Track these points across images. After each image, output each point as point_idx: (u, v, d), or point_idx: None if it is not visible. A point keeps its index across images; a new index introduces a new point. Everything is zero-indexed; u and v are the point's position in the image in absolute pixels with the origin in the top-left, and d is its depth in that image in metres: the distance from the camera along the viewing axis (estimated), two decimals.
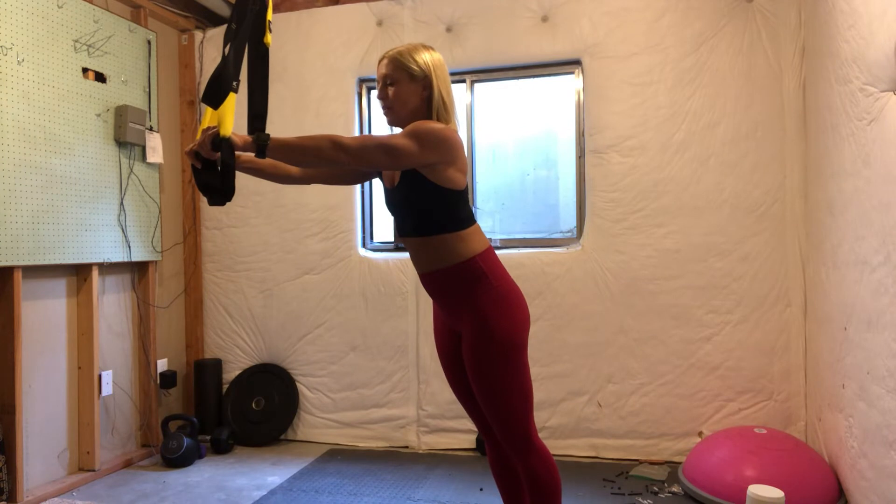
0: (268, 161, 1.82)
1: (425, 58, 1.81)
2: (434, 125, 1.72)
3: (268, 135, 1.58)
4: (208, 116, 1.66)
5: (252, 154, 1.63)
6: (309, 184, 1.97)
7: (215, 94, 1.63)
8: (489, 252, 1.81)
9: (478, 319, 1.75)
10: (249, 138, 1.59)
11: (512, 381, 1.75)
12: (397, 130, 1.92)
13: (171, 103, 3.71)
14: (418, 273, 1.87)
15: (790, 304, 3.02)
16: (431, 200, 1.75)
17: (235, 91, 1.66)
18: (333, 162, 1.60)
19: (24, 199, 2.70)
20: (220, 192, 1.65)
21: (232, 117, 1.64)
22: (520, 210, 3.50)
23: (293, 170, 1.90)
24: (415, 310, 3.48)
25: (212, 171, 1.64)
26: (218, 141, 1.59)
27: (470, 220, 1.81)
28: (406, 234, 1.84)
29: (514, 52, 3.35)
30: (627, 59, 3.20)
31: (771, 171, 3.04)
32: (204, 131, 1.63)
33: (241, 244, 3.75)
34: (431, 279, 1.82)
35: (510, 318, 1.75)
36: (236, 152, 1.64)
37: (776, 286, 3.04)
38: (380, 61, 1.84)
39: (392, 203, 1.87)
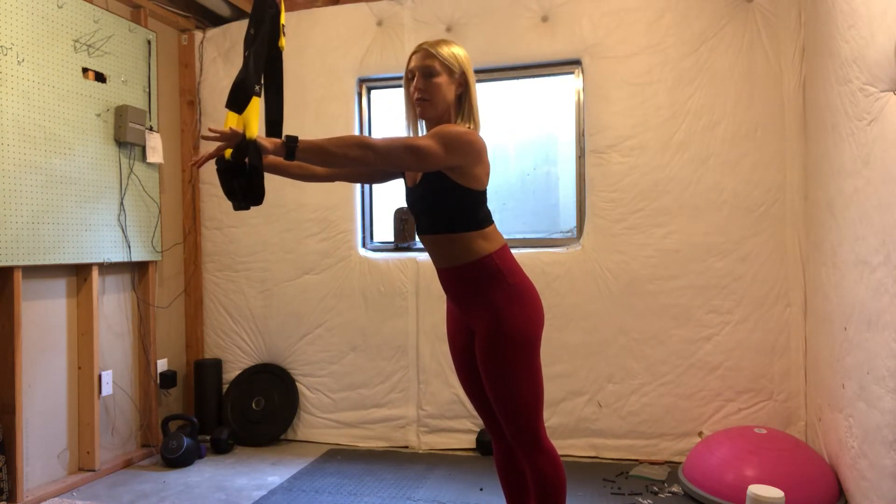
0: (294, 162, 1.84)
1: (460, 55, 1.84)
2: (459, 129, 1.74)
3: (296, 137, 1.59)
4: (233, 121, 1.66)
5: (276, 156, 1.65)
6: (333, 181, 2.01)
7: (239, 99, 1.65)
8: (505, 250, 1.83)
9: (492, 315, 1.77)
10: (279, 141, 1.60)
11: (524, 378, 1.76)
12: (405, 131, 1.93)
13: (171, 103, 3.71)
14: (436, 267, 1.89)
15: (790, 304, 3.02)
16: (452, 199, 1.77)
17: (259, 95, 1.69)
18: (360, 162, 1.62)
19: (24, 199, 2.70)
20: (249, 196, 1.66)
21: (257, 121, 1.66)
22: (520, 210, 3.50)
23: (318, 169, 1.92)
24: (415, 310, 3.48)
25: (238, 176, 1.65)
26: (245, 145, 1.60)
27: (488, 219, 1.83)
28: (425, 231, 1.86)
29: (514, 52, 3.35)
30: (627, 59, 3.20)
31: (771, 171, 3.04)
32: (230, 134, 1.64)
33: (241, 244, 3.75)
34: (448, 274, 1.84)
35: (524, 315, 1.77)
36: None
37: (776, 286, 3.04)
38: (417, 52, 1.84)
39: (413, 201, 1.89)
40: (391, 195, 3.65)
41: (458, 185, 1.76)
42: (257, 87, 1.69)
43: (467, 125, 1.83)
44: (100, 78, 3.10)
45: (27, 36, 2.72)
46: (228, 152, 1.65)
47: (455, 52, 1.83)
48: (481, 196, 1.82)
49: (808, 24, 2.88)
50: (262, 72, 1.73)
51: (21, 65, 2.69)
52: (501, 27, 3.36)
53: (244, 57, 1.70)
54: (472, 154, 1.74)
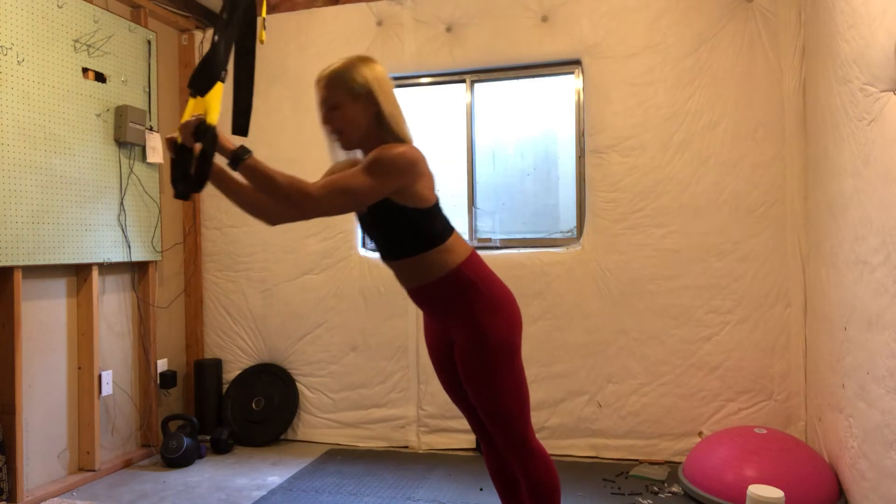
0: (236, 176, 1.68)
1: (364, 73, 1.70)
2: (389, 152, 1.63)
3: (250, 151, 1.55)
4: (191, 106, 1.60)
5: (222, 155, 1.58)
6: (263, 218, 1.72)
7: (202, 81, 1.59)
8: (473, 258, 1.78)
9: (470, 326, 1.73)
10: (231, 147, 1.55)
11: (507, 385, 1.74)
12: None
13: (171, 103, 3.71)
14: (404, 288, 1.83)
15: (790, 304, 3.02)
16: (403, 223, 1.71)
17: (223, 80, 1.62)
18: (294, 207, 1.56)
19: (24, 199, 2.70)
20: (192, 180, 1.58)
21: (218, 107, 1.60)
22: (520, 210, 3.50)
23: (250, 195, 1.70)
24: (414, 310, 3.47)
25: (189, 162, 1.58)
26: (203, 128, 1.54)
27: (447, 231, 1.76)
28: (385, 257, 1.81)
29: (514, 52, 3.35)
30: (627, 59, 3.20)
31: (771, 171, 3.04)
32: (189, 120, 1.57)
33: (241, 244, 3.75)
34: (418, 293, 1.80)
35: (502, 322, 1.74)
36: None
37: (776, 286, 3.04)
38: (317, 83, 1.73)
39: (366, 229, 1.82)
40: None
41: (404, 207, 1.68)
42: (223, 73, 1.61)
43: (399, 142, 1.71)
44: (100, 78, 3.10)
45: (27, 36, 2.72)
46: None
47: (356, 73, 1.70)
48: (432, 211, 1.73)
49: (808, 24, 2.88)
50: (230, 59, 1.66)
51: (21, 65, 2.69)
52: (501, 27, 3.36)
53: (212, 41, 1.63)
54: (407, 173, 1.64)
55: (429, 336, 1.95)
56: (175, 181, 1.60)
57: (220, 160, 1.59)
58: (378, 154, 1.63)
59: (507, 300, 1.77)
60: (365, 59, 1.74)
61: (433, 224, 1.73)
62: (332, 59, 3.59)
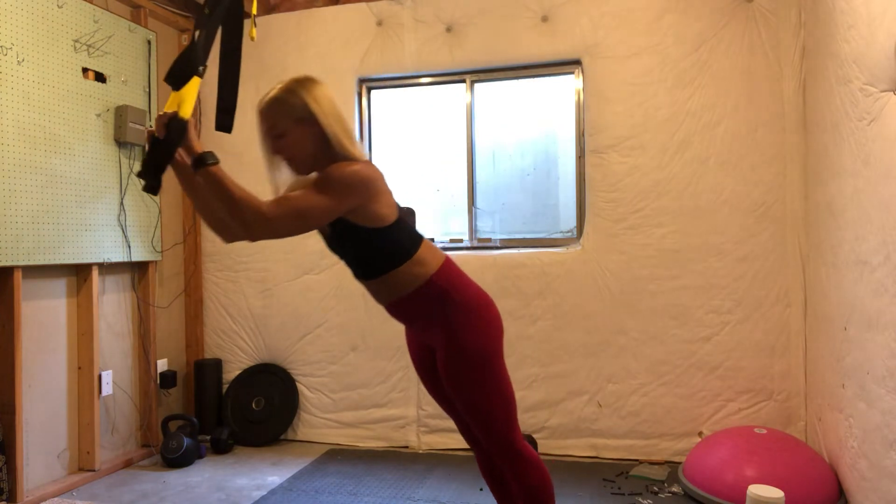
0: (197, 179, 1.64)
1: (303, 95, 1.65)
2: (341, 170, 1.58)
3: (217, 159, 1.52)
4: (171, 99, 1.59)
5: (188, 154, 1.57)
6: (212, 223, 1.72)
7: (179, 74, 1.57)
8: (446, 266, 1.76)
9: (448, 334, 1.72)
10: (201, 148, 1.54)
11: (490, 389, 1.73)
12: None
13: None
14: (380, 304, 1.81)
15: (790, 304, 3.02)
16: (367, 244, 1.68)
17: (200, 76, 1.61)
18: (239, 225, 1.51)
19: (24, 199, 2.70)
20: (151, 168, 1.57)
21: (192, 102, 1.58)
22: (520, 210, 3.50)
23: (205, 199, 1.69)
24: None
25: (159, 154, 1.57)
26: (174, 120, 1.53)
27: (415, 244, 1.73)
28: (357, 277, 1.79)
29: (514, 52, 3.35)
30: (627, 59, 3.20)
31: (771, 171, 3.04)
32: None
33: (241, 244, 3.75)
34: (394, 308, 1.79)
35: (480, 329, 1.73)
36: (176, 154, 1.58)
37: (776, 286, 3.04)
38: (258, 114, 1.69)
39: (334, 250, 1.79)
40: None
41: (365, 228, 1.64)
42: (201, 69, 1.60)
43: (351, 161, 1.65)
44: (100, 78, 3.10)
45: (27, 36, 2.72)
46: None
47: (294, 97, 1.65)
48: (395, 227, 1.69)
49: (808, 24, 2.88)
50: (209, 54, 1.65)
51: (21, 65, 2.69)
52: (501, 27, 3.36)
53: (192, 35, 1.62)
54: (361, 191, 1.60)
55: (411, 346, 1.95)
56: (143, 172, 1.59)
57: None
58: (328, 173, 1.59)
59: (484, 304, 1.76)
60: (302, 81, 1.69)
61: (399, 240, 1.70)
62: (332, 59, 3.61)
